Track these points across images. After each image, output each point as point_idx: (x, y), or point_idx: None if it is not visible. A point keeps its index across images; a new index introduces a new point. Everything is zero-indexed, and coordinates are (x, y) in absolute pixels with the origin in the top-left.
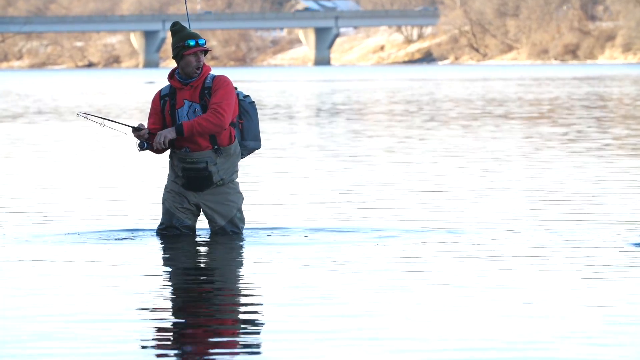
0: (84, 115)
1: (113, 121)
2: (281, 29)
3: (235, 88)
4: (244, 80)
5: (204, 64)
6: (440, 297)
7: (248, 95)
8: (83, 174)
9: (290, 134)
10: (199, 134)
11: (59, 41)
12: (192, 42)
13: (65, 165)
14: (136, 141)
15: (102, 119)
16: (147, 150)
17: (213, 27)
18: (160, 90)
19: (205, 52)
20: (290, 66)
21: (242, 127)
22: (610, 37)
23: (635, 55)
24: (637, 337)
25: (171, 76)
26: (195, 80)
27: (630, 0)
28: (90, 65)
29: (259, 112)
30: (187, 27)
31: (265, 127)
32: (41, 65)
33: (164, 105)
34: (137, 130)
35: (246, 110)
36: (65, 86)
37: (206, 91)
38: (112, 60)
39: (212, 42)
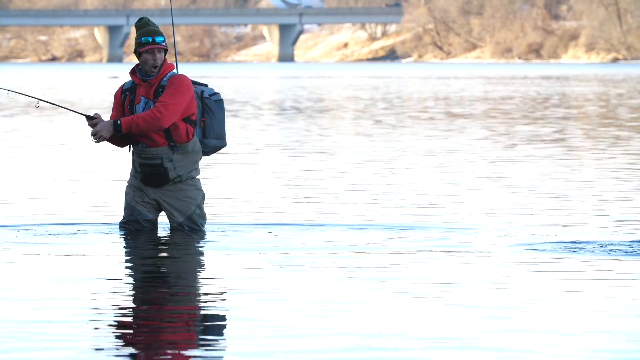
0: (38, 101)
1: (69, 109)
2: (245, 25)
3: (205, 85)
4: (207, 76)
5: (164, 61)
6: (413, 291)
7: (217, 93)
8: (45, 168)
9: (254, 130)
10: (139, 132)
11: (23, 35)
12: (148, 39)
13: (25, 159)
14: (91, 131)
15: (58, 106)
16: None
17: (177, 22)
18: (123, 85)
19: (165, 50)
20: (254, 62)
21: (205, 125)
22: (573, 37)
23: (598, 55)
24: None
25: (133, 72)
26: (154, 77)
27: (594, 0)
28: (53, 59)
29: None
30: (163, 19)
31: (228, 123)
32: (4, 59)
33: (124, 100)
34: (91, 119)
35: (210, 108)
36: (28, 80)
37: (160, 89)
38: (76, 55)
39: (176, 37)
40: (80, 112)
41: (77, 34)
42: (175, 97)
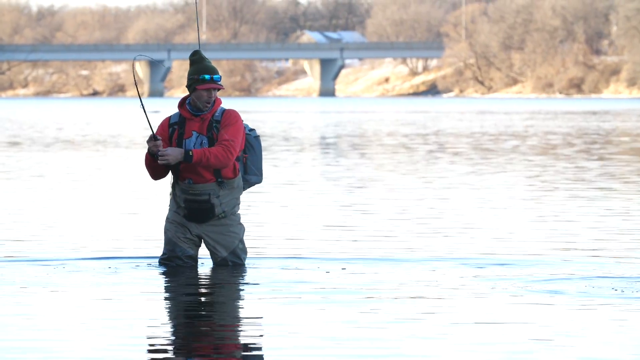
0: (142, 104)
1: (147, 117)
2: (286, 59)
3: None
4: (248, 110)
5: (216, 98)
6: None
7: (253, 129)
8: (84, 203)
9: (296, 165)
10: (205, 167)
11: (65, 69)
12: (207, 77)
13: (67, 193)
14: (152, 150)
15: (143, 108)
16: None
17: (218, 57)
18: (170, 118)
19: (219, 89)
20: (295, 97)
21: (246, 161)
22: (615, 72)
23: None
24: None
25: (181, 105)
26: (206, 112)
27: (636, 34)
28: (95, 93)
29: (263, 143)
30: (205, 54)
31: (271, 158)
32: (46, 93)
33: (172, 133)
34: (154, 139)
35: (251, 144)
36: (70, 115)
37: (214, 124)
38: (117, 89)
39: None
40: (152, 127)
41: (119, 68)
42: (237, 134)
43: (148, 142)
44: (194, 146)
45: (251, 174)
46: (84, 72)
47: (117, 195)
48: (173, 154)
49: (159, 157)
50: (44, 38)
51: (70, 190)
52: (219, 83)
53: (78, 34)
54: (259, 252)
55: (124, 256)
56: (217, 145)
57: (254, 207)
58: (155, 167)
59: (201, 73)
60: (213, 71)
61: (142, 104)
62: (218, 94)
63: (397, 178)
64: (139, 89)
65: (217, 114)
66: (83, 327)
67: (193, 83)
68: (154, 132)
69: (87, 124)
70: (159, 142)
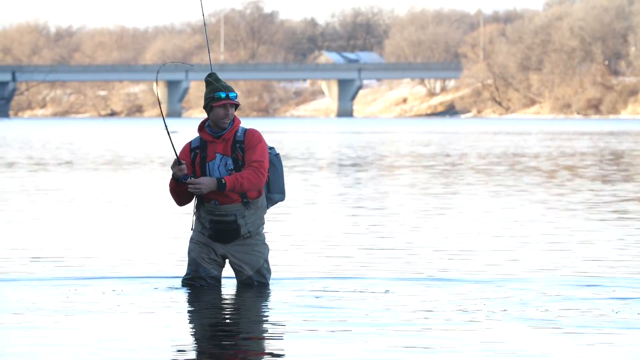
0: (167, 128)
1: (171, 142)
2: (304, 80)
3: None
4: (266, 131)
5: (234, 117)
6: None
7: (273, 147)
8: (106, 223)
9: (315, 185)
10: (238, 191)
11: (83, 90)
12: (222, 95)
13: (88, 213)
14: (177, 175)
15: (168, 133)
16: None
17: (236, 77)
18: (191, 142)
19: (236, 106)
20: (313, 117)
21: (269, 180)
22: (633, 92)
23: None
24: None
25: (201, 128)
26: (226, 132)
27: None
28: (112, 114)
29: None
30: (223, 75)
31: (290, 179)
32: (64, 113)
33: (195, 158)
34: (179, 164)
35: (273, 163)
36: (90, 135)
37: (237, 145)
38: (135, 110)
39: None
40: (176, 152)
41: (136, 89)
42: (264, 154)
43: (172, 167)
44: (217, 167)
45: (274, 192)
46: (102, 93)
47: (140, 216)
48: (206, 183)
49: (190, 187)
50: (62, 59)
51: (93, 210)
52: (236, 100)
53: (96, 54)
54: (281, 272)
55: (146, 276)
56: (247, 169)
57: (276, 227)
58: (181, 192)
59: (216, 91)
60: (228, 89)
61: (167, 129)
62: (237, 113)
63: (416, 198)
64: (162, 113)
65: (239, 134)
66: (104, 348)
67: (209, 102)
68: (178, 156)
69: (110, 143)
70: (184, 167)
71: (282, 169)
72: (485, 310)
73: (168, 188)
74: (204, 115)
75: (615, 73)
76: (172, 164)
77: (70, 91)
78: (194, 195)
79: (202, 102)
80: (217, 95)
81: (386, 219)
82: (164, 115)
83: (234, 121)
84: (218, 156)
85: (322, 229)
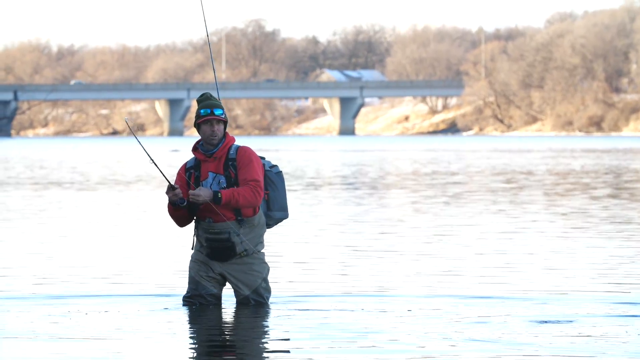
0: (151, 161)
1: (160, 170)
2: (306, 98)
3: (263, 158)
4: (268, 149)
5: (226, 134)
6: None
7: (275, 165)
8: (107, 242)
9: (316, 204)
10: (234, 207)
11: (84, 109)
12: (207, 111)
13: (90, 232)
14: (172, 200)
15: (154, 163)
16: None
17: (238, 95)
18: (186, 163)
19: (225, 123)
20: (315, 135)
21: (268, 198)
22: (634, 109)
23: None
24: None
25: (195, 148)
26: (218, 151)
27: None
28: (114, 133)
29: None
30: (214, 95)
31: (291, 197)
32: (66, 132)
33: (189, 178)
34: (172, 189)
35: (272, 180)
36: (91, 154)
37: (230, 162)
38: (137, 128)
39: (236, 110)
40: (168, 179)
41: (138, 107)
42: (260, 172)
43: (167, 193)
44: (210, 187)
45: (275, 209)
46: (104, 112)
47: (140, 234)
48: (204, 194)
49: (191, 197)
50: (64, 77)
51: (95, 229)
52: (221, 116)
53: (98, 73)
54: (281, 291)
55: (146, 294)
56: (244, 186)
57: (277, 246)
58: (179, 216)
59: (202, 109)
60: (214, 106)
61: (152, 160)
62: (236, 132)
63: (419, 217)
64: (142, 145)
65: (231, 153)
66: None
67: (196, 120)
68: (170, 181)
69: (112, 162)
70: (178, 191)
71: (284, 187)
72: (503, 327)
73: (167, 212)
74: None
75: (617, 90)
76: (166, 190)
77: (72, 110)
78: (193, 216)
79: None
80: (204, 112)
81: (388, 237)
82: (144, 148)
83: (226, 138)
84: (211, 175)
85: (321, 247)
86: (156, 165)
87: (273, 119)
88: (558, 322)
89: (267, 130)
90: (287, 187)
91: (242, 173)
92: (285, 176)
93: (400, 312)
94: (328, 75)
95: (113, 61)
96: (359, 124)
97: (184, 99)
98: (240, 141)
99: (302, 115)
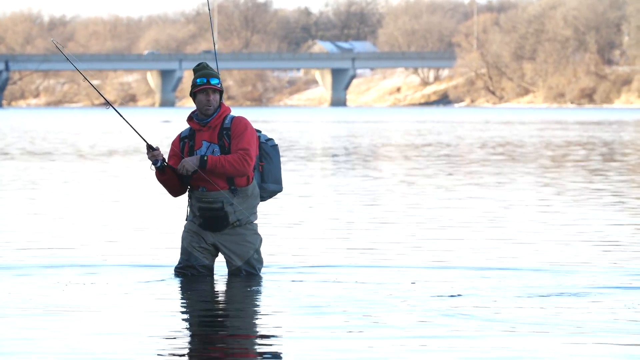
0: (111, 107)
1: (137, 132)
2: (298, 69)
3: (259, 131)
4: (260, 120)
5: (222, 104)
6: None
7: (271, 139)
8: (100, 212)
9: (307, 175)
10: (220, 174)
11: (76, 79)
12: (203, 80)
13: (82, 203)
14: (151, 161)
15: (129, 125)
16: (162, 168)
17: (230, 66)
18: (181, 133)
19: (220, 92)
20: (307, 107)
21: (263, 170)
22: (626, 81)
23: None
24: None
25: (190, 118)
26: (213, 120)
27: None
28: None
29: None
30: (212, 66)
31: (282, 168)
32: (58, 103)
33: (183, 147)
34: (151, 150)
35: (267, 153)
36: (82, 124)
37: (225, 132)
38: (129, 99)
39: (228, 81)
40: (145, 138)
41: (130, 78)
42: (252, 142)
43: (147, 154)
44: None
45: (269, 182)
46: (96, 82)
47: (132, 204)
48: (190, 161)
49: (179, 170)
50: (56, 48)
51: (86, 199)
52: (217, 86)
53: (90, 43)
54: (273, 263)
55: (137, 264)
56: (233, 154)
57: (269, 217)
58: (168, 181)
59: (198, 78)
60: (210, 76)
61: (120, 115)
62: (228, 103)
63: (411, 188)
64: (106, 100)
65: (226, 122)
66: (91, 338)
67: (192, 89)
68: (147, 141)
69: (103, 132)
70: (157, 152)
71: (279, 160)
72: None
73: (156, 179)
74: (194, 105)
75: (609, 62)
76: (147, 151)
77: (64, 80)
78: (186, 185)
79: None
80: (200, 82)
81: (381, 209)
82: (107, 102)
83: (221, 108)
84: (205, 144)
85: (313, 219)
86: (129, 125)
87: (265, 90)
88: (549, 295)
89: (258, 101)
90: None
91: (235, 142)
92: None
93: (393, 283)
94: (320, 46)
95: (105, 32)
96: (351, 95)
97: (175, 70)
98: (232, 112)
99: (294, 87)
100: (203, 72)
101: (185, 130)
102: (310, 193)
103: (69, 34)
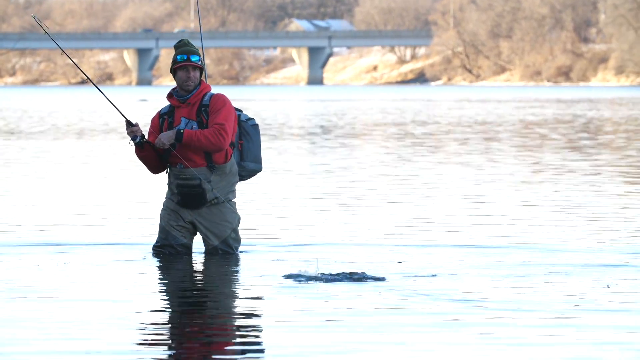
0: (95, 86)
1: (116, 107)
2: (274, 48)
3: (240, 110)
4: (237, 99)
5: (202, 81)
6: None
7: (252, 118)
8: (81, 191)
9: (284, 153)
10: (196, 148)
11: (52, 58)
12: (183, 57)
13: (62, 181)
14: (130, 137)
15: (106, 98)
16: (142, 144)
17: (207, 45)
18: (160, 110)
19: (201, 70)
20: (283, 85)
21: (242, 148)
22: (603, 60)
23: (627, 78)
24: None
25: (170, 95)
26: (192, 96)
27: (624, 23)
28: (83, 82)
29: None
30: (193, 42)
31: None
32: (34, 82)
33: (163, 124)
34: (131, 125)
35: (247, 131)
36: (59, 102)
37: (203, 109)
38: (105, 78)
39: (205, 60)
40: (124, 114)
41: (107, 57)
42: (229, 118)
43: (126, 130)
44: None
45: (248, 160)
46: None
47: (109, 182)
48: (166, 135)
49: (156, 144)
50: (32, 26)
51: (65, 177)
52: (197, 63)
53: (66, 22)
54: (250, 241)
55: (116, 243)
56: (209, 128)
57: (247, 196)
58: (146, 157)
59: (179, 55)
60: (191, 52)
61: (102, 93)
62: (208, 81)
63: (388, 167)
64: (88, 77)
65: (205, 99)
66: (67, 316)
67: (173, 65)
68: (126, 117)
69: (79, 111)
70: (136, 128)
71: (259, 140)
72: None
73: (136, 155)
74: (169, 84)
75: (585, 40)
76: (125, 127)
77: (40, 59)
78: (165, 162)
79: None
80: (180, 58)
81: (358, 187)
82: (87, 78)
83: (201, 85)
84: (183, 120)
85: (290, 198)
86: (110, 101)
87: (241, 68)
88: (529, 275)
89: (235, 80)
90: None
91: (212, 118)
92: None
93: (374, 263)
94: (297, 25)
95: (81, 10)
96: (327, 73)
97: (152, 49)
98: (212, 90)
99: (271, 65)
100: (184, 49)
101: (165, 107)
102: (288, 171)
103: (45, 13)
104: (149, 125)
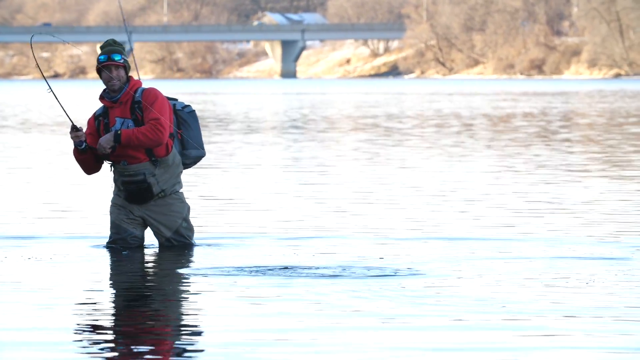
0: (49, 90)
1: (63, 108)
2: (247, 41)
3: (175, 99)
4: (210, 92)
5: (130, 78)
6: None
7: (188, 105)
8: (33, 186)
9: (256, 147)
10: (136, 146)
11: (25, 52)
12: (104, 57)
13: (15, 176)
14: (74, 142)
15: (57, 99)
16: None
17: (179, 39)
18: (95, 112)
19: (125, 67)
20: (257, 79)
21: (182, 137)
22: (575, 53)
23: (600, 71)
24: None
25: (102, 97)
26: (123, 95)
27: (596, 16)
28: (56, 76)
29: (225, 125)
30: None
31: (230, 140)
32: (7, 75)
33: (99, 126)
34: (75, 130)
35: (185, 119)
36: (31, 96)
37: (136, 105)
38: (78, 71)
39: (178, 54)
40: (71, 118)
41: (80, 50)
42: (163, 111)
43: (70, 133)
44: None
45: (190, 148)
46: (45, 54)
47: (68, 178)
48: (105, 139)
49: (98, 150)
50: (4, 20)
51: (24, 173)
52: (119, 61)
53: (38, 15)
54: (212, 232)
55: (69, 236)
56: (146, 125)
57: (211, 186)
58: (84, 159)
59: (100, 55)
60: (112, 52)
61: (52, 92)
62: (177, 75)
63: (360, 161)
64: (44, 75)
65: (137, 96)
66: (19, 311)
67: (96, 66)
68: (74, 123)
69: (51, 106)
70: (81, 133)
71: (198, 126)
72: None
73: (73, 157)
74: (145, 77)
75: (558, 33)
76: (70, 130)
77: (13, 53)
78: (101, 164)
79: (145, 65)
80: (102, 59)
81: (329, 180)
82: (42, 75)
83: (130, 82)
84: (118, 120)
85: (256, 190)
86: (59, 102)
87: (214, 62)
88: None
89: (208, 73)
90: (228, 130)
91: (146, 114)
92: (226, 120)
93: (336, 254)
94: (270, 18)
95: (54, 4)
96: (301, 67)
97: (124, 42)
98: (181, 85)
99: (244, 59)
100: (106, 49)
101: (99, 108)
102: (258, 164)
103: (17, 6)
104: (86, 126)
